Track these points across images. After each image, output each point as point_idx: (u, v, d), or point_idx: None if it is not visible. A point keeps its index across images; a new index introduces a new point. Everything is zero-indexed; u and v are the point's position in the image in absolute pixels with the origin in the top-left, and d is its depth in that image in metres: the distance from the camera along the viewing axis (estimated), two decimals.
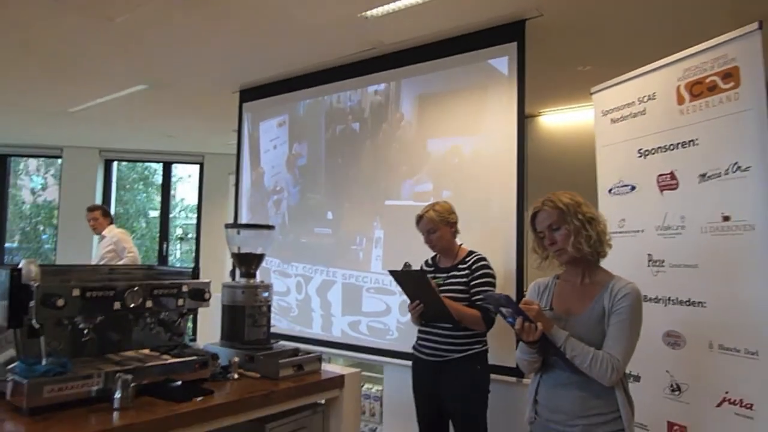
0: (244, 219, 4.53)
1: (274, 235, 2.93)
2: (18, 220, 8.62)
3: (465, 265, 2.65)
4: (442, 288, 2.63)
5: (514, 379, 2.95)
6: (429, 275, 2.64)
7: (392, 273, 2.63)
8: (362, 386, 2.74)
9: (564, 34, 3.31)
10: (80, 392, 1.74)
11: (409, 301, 2.62)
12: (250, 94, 4.62)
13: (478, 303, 2.55)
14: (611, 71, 2.81)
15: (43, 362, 1.74)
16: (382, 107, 3.73)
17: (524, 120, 3.10)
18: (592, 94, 2.86)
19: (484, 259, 2.67)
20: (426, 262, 2.85)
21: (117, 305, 1.89)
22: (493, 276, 2.65)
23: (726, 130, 2.16)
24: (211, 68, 4.24)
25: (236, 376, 2.22)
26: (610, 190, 2.65)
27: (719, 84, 2.19)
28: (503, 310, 1.80)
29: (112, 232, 5.26)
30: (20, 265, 1.79)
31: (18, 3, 3.14)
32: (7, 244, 7.79)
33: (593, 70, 3.77)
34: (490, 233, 3.05)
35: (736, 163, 2.10)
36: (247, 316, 2.44)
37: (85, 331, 1.87)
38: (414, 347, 2.77)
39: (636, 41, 3.32)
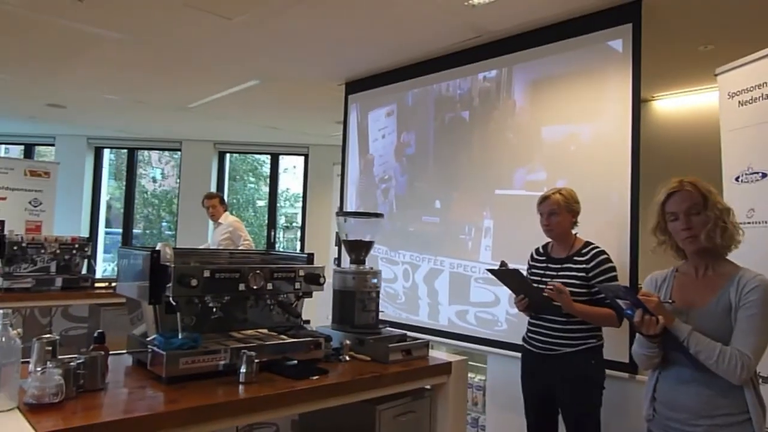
0: (351, 207, 4.66)
1: (382, 223, 3.00)
2: (141, 208, 9.38)
3: (582, 258, 2.57)
4: (557, 278, 2.57)
5: (626, 375, 2.84)
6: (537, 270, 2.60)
7: (491, 272, 2.64)
8: (476, 377, 2.75)
9: (684, 13, 3.11)
10: (210, 365, 1.89)
11: (514, 295, 2.60)
12: (356, 85, 4.73)
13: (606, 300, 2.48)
14: (735, 51, 2.61)
15: (179, 336, 1.91)
16: (493, 94, 3.68)
17: (639, 105, 2.95)
18: (716, 75, 2.67)
19: (604, 252, 2.58)
20: (537, 251, 2.78)
21: (242, 286, 2.03)
22: (615, 270, 2.55)
23: None
24: (317, 62, 4.39)
25: (347, 358, 2.31)
26: (737, 178, 2.47)
27: None
28: (620, 302, 1.75)
29: (227, 219, 5.53)
30: (158, 248, 1.97)
31: (144, 3, 3.40)
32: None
33: (715, 50, 3.52)
34: (604, 225, 2.95)
35: None
36: (357, 300, 2.53)
37: (214, 309, 2.02)
38: (524, 338, 2.74)
39: (762, 17, 3.05)
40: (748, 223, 2.38)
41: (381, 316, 2.60)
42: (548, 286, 2.47)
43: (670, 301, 1.78)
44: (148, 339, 1.98)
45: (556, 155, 3.29)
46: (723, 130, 2.62)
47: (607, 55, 3.09)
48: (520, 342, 2.77)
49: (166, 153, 9.34)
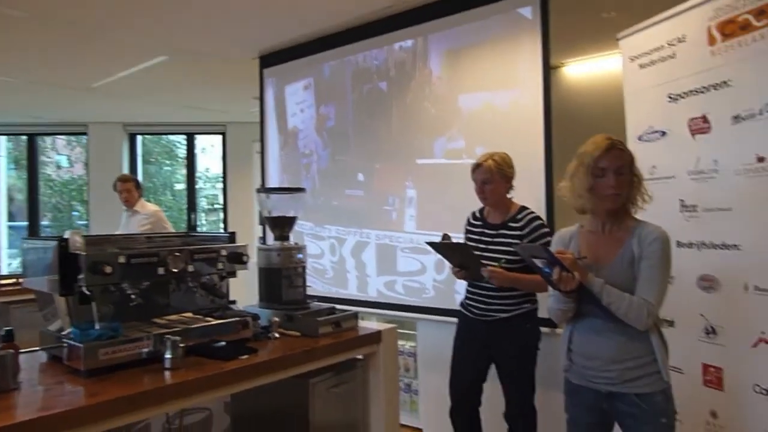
0: (274, 184, 4.56)
1: (305, 198, 2.96)
2: (48, 197, 8.81)
3: (517, 224, 2.57)
4: (492, 243, 2.60)
5: (548, 329, 2.98)
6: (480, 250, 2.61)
7: (431, 245, 2.61)
8: (406, 344, 2.80)
9: None
10: (132, 354, 1.83)
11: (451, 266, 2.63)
12: (271, 58, 4.59)
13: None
14: (635, 17, 2.74)
15: (96, 327, 1.83)
16: (409, 64, 3.68)
17: (549, 72, 3.06)
18: (618, 40, 2.79)
19: (539, 217, 2.60)
20: (473, 215, 2.77)
21: (161, 270, 1.96)
22: (551, 234, 2.50)
23: (759, 70, 2.11)
24: (228, 34, 4.22)
25: (277, 335, 2.29)
26: (640, 138, 2.62)
27: (752, 22, 2.13)
28: (537, 261, 1.81)
29: (147, 208, 5.00)
30: (66, 236, 1.86)
31: None
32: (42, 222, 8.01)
33: (618, 17, 3.67)
34: (521, 189, 3.03)
35: None
36: (283, 277, 2.51)
37: (132, 297, 1.94)
38: (462, 304, 2.78)
39: None
40: (651, 179, 2.53)
41: (310, 293, 2.59)
42: (487, 270, 2.46)
43: (583, 257, 1.87)
44: (63, 333, 1.88)
45: (473, 123, 3.35)
46: (626, 92, 2.75)
47: (518, 22, 3.15)
48: (447, 307, 2.84)
49: (73, 138, 8.78)
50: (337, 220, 4.06)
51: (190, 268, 2.05)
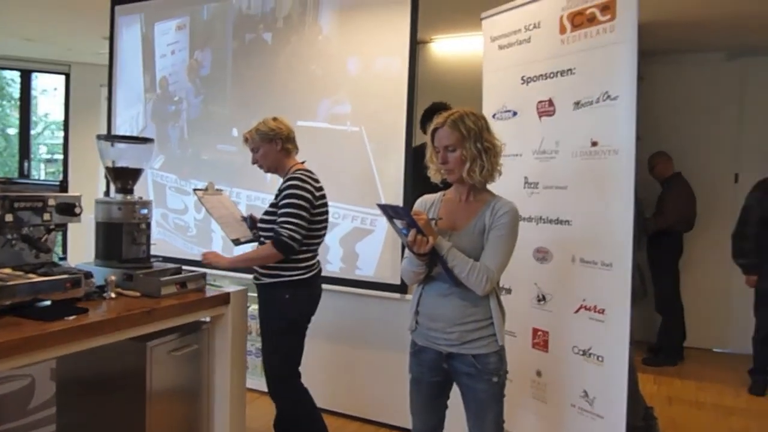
0: (131, 131, 4.14)
1: (153, 149, 2.73)
2: None
3: (281, 187, 2.46)
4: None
5: (398, 295, 3.08)
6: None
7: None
8: (249, 307, 2.72)
9: None
10: None
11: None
12: None
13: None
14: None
15: None
16: (298, 17, 3.48)
17: (416, 44, 3.10)
18: (482, 19, 2.89)
19: (296, 179, 2.41)
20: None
21: None
22: (298, 198, 2.37)
23: (600, 61, 2.29)
24: None
25: (113, 295, 2.13)
26: (494, 115, 2.75)
27: (598, 16, 2.30)
28: (397, 222, 1.83)
29: None
30: None
31: None
32: None
33: None
34: (394, 156, 3.11)
35: (606, 93, 2.25)
36: (125, 233, 2.32)
37: None
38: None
39: None
40: (503, 156, 2.67)
41: (168, 251, 2.41)
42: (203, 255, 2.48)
43: (437, 218, 1.93)
44: None
45: (359, 89, 3.27)
46: (484, 71, 2.87)
47: None
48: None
49: None
50: (206, 175, 3.72)
51: (9, 218, 1.81)
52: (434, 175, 1.97)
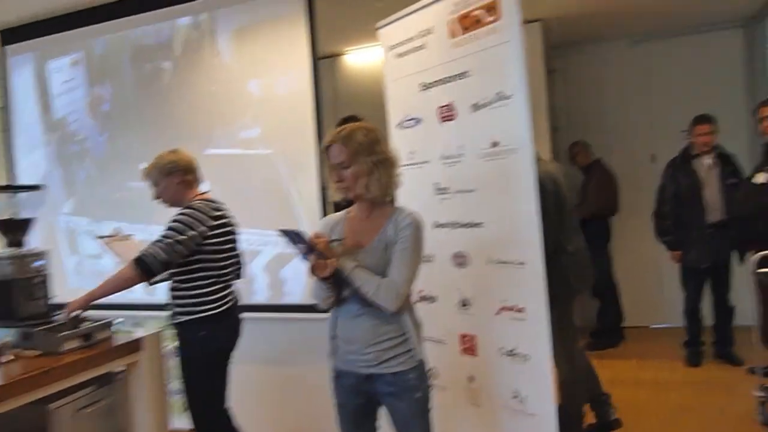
0: (31, 179, 3.92)
1: (49, 195, 2.59)
2: None
3: None
4: None
5: (328, 315, 3.02)
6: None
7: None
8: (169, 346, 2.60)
9: None
10: None
11: None
12: (20, 33, 3.93)
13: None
14: (402, 6, 2.83)
15: None
16: (197, 43, 3.40)
17: (317, 58, 3.08)
18: (377, 29, 2.88)
19: (189, 207, 2.37)
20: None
21: None
22: (179, 222, 2.31)
23: (491, 62, 2.30)
24: None
25: (12, 357, 1.99)
26: (399, 124, 2.74)
27: (484, 17, 2.32)
28: (299, 247, 1.79)
29: None
30: None
31: None
32: None
33: (385, 7, 3.80)
34: (299, 183, 3.05)
35: (500, 92, 2.26)
36: (19, 289, 2.18)
37: None
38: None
39: None
40: (411, 164, 2.66)
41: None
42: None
43: (338, 239, 1.88)
44: None
45: (266, 111, 3.22)
46: (386, 81, 2.85)
47: (295, 7, 3.11)
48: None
49: None
50: (120, 215, 3.61)
51: None
52: (334, 194, 1.93)
